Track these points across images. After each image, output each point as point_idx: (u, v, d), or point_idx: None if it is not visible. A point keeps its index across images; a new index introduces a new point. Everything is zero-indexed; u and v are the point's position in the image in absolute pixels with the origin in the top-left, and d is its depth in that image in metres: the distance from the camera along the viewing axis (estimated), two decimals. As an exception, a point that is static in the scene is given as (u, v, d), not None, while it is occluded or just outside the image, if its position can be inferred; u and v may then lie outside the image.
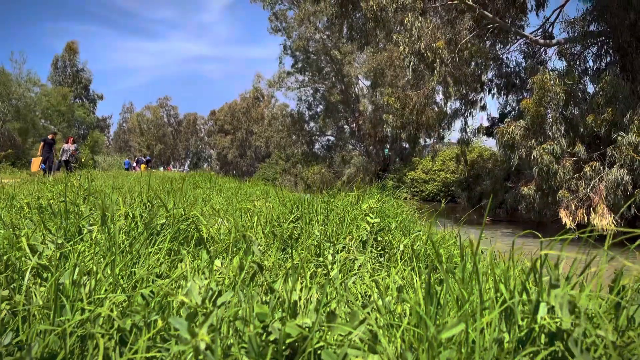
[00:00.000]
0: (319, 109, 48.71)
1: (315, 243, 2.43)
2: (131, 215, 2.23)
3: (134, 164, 44.03)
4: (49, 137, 21.28)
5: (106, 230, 1.90)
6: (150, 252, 1.94)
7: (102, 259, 1.69)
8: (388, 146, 43.68)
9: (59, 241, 1.72)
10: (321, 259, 2.33)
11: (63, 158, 21.36)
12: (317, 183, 45.00)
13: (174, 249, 2.06)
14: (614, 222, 13.62)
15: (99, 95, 54.23)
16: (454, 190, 27.30)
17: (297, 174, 51.49)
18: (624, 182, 13.30)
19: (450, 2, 17.86)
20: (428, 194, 33.46)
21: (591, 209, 14.29)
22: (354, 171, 40.95)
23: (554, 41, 18.99)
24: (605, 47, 18.12)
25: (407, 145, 34.10)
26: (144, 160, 47.32)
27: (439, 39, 15.21)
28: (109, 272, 1.55)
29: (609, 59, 18.12)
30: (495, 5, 18.94)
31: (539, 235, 1.67)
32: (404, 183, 36.31)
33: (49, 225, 2.03)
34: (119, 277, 1.59)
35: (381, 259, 2.48)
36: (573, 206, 14.66)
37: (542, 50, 19.82)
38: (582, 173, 14.81)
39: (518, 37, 20.10)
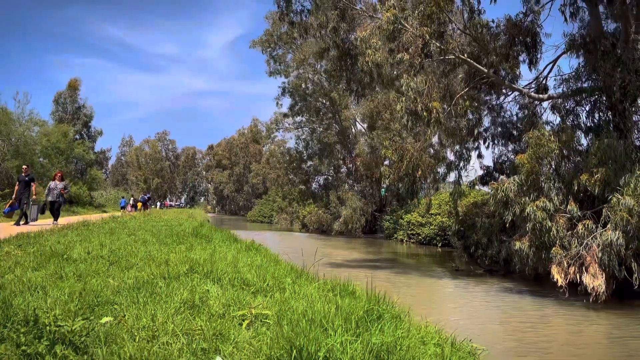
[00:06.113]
0: (316, 149, 49.17)
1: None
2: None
3: (131, 202, 44.51)
4: (22, 173, 17.37)
5: None
6: None
7: None
8: (384, 187, 43.83)
9: None
10: None
11: (49, 199, 18.03)
12: (313, 223, 44.91)
13: None
14: (605, 283, 13.53)
15: (99, 131, 54.80)
16: (450, 237, 27.22)
17: (293, 212, 51.48)
18: (618, 243, 13.27)
19: (445, 57, 18.32)
20: (424, 237, 33.33)
21: (583, 267, 14.20)
22: (350, 212, 40.91)
23: (546, 95, 19.35)
24: (598, 103, 18.41)
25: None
26: (146, 198, 47.76)
27: (434, 99, 15.54)
28: None
29: (602, 115, 18.34)
30: (489, 59, 19.41)
31: None
32: (401, 226, 36.30)
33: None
34: None
35: None
36: (565, 264, 14.57)
37: (536, 102, 20.17)
38: (575, 231, 14.79)
39: (511, 90, 20.51)
